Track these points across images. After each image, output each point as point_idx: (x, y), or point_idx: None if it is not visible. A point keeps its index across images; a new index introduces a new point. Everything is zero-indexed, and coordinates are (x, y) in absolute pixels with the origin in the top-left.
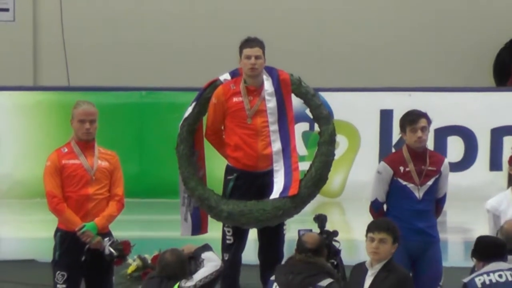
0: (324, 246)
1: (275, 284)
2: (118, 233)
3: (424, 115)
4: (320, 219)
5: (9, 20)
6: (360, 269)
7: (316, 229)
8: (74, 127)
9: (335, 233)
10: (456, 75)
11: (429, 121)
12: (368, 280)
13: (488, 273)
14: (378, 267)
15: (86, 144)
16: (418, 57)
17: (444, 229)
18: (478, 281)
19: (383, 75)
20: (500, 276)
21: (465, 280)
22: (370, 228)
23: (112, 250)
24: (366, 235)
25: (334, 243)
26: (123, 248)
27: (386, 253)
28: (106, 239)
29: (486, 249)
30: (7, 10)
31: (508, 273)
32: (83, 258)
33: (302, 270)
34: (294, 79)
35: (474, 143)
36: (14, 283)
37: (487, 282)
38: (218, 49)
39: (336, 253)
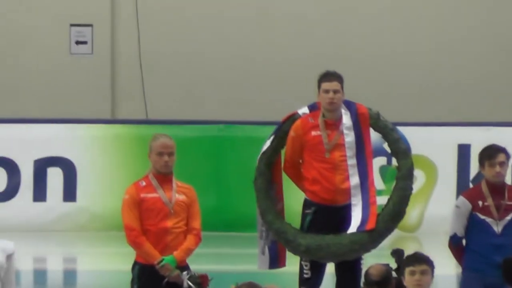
0: (390, 278)
1: None
2: (195, 267)
3: (503, 150)
4: (398, 254)
5: (87, 53)
6: None
7: (393, 264)
8: (152, 160)
9: None
10: None
11: (508, 156)
12: None
13: None
14: None
15: (164, 178)
16: (497, 91)
17: None
18: None
19: (462, 109)
20: None
21: None
22: (409, 262)
23: (190, 283)
24: (404, 270)
25: None
26: (202, 281)
27: (428, 285)
28: (185, 272)
29: None
30: (85, 43)
31: None
32: None
33: None
34: (372, 113)
35: None
36: None
37: None
38: (296, 82)
39: None
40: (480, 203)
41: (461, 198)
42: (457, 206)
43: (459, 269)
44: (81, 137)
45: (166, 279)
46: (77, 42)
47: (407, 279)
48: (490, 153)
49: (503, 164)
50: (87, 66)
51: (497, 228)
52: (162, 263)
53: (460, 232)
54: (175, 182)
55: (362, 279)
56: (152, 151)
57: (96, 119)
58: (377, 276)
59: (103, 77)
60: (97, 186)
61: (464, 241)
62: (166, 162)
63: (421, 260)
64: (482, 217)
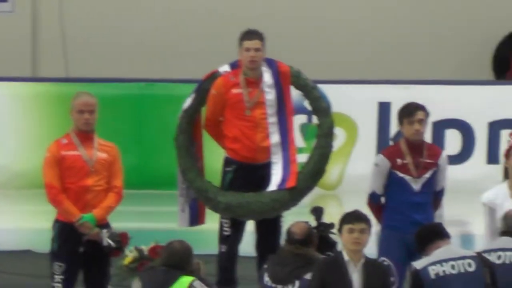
0: (313, 236)
1: (266, 274)
2: (116, 224)
3: (421, 108)
4: (317, 212)
5: (8, 11)
6: (338, 264)
7: (312, 222)
8: (74, 118)
9: (331, 225)
10: (455, 68)
11: (427, 114)
12: (356, 275)
13: (441, 263)
14: (362, 261)
15: (85, 136)
16: (416, 50)
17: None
18: (432, 271)
19: (382, 68)
20: (452, 267)
21: (418, 267)
22: (348, 220)
23: (110, 241)
24: (341, 227)
25: (331, 235)
26: (121, 239)
27: (366, 243)
28: (105, 230)
29: (426, 235)
30: (5, 0)
31: (460, 262)
32: (81, 249)
33: (290, 262)
34: (293, 71)
35: (471, 136)
36: (11, 273)
37: (441, 274)
38: (217, 40)
39: (332, 245)
40: (399, 161)
41: (380, 156)
42: (376, 164)
43: (379, 227)
44: (1, 95)
45: (86, 237)
46: None
47: (345, 237)
48: (409, 110)
49: (422, 122)
50: (7, 24)
51: (416, 186)
52: (80, 221)
53: (379, 190)
54: (97, 141)
55: (283, 237)
56: (74, 109)
57: (16, 77)
58: (300, 234)
59: (24, 36)
60: (18, 144)
61: (383, 199)
62: (87, 120)
63: (360, 218)
64: (401, 175)
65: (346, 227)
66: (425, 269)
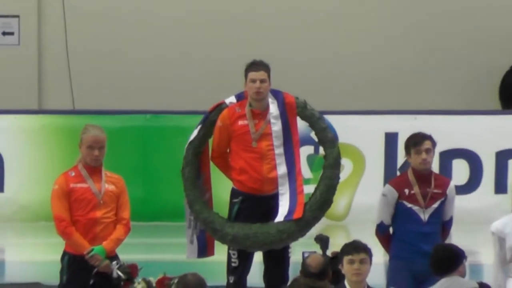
0: (328, 268)
1: None
2: (124, 256)
3: (428, 137)
4: (323, 241)
5: (14, 44)
6: None
7: (319, 251)
8: (83, 152)
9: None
10: (462, 98)
11: (433, 143)
12: None
13: None
14: None
15: (93, 168)
16: (423, 80)
17: None
18: None
19: (388, 98)
20: None
21: None
22: (348, 251)
23: (120, 273)
24: (342, 259)
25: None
26: (131, 271)
27: (367, 274)
28: (114, 262)
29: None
30: (12, 34)
31: None
32: (91, 282)
33: None
34: (299, 102)
35: (479, 166)
36: None
37: None
38: (223, 72)
39: (343, 278)
40: (407, 191)
41: (388, 186)
42: (383, 195)
43: (387, 257)
44: (8, 128)
45: (95, 269)
46: (4, 33)
47: (346, 268)
48: (416, 140)
49: (429, 151)
50: (14, 57)
51: (424, 216)
52: (91, 253)
53: (387, 220)
54: (105, 172)
55: (292, 268)
56: (83, 144)
57: (23, 109)
58: (316, 268)
59: (30, 68)
60: (24, 177)
61: (391, 229)
62: (97, 157)
63: (359, 248)
64: (409, 205)
65: (346, 258)
66: None
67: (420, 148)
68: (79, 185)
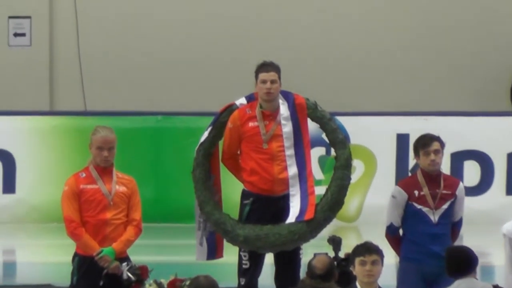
0: (334, 269)
1: None
2: (135, 258)
3: (437, 138)
4: (335, 242)
5: (25, 45)
6: None
7: (331, 252)
8: (93, 153)
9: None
10: (473, 99)
11: (442, 144)
12: None
13: None
14: None
15: (104, 169)
16: (435, 81)
17: None
18: None
19: (400, 99)
20: None
21: None
22: (360, 252)
23: (130, 275)
24: (354, 260)
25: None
26: (141, 272)
27: (379, 275)
28: (124, 263)
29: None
30: (23, 35)
31: None
32: (101, 283)
33: None
34: (310, 103)
35: (490, 167)
36: None
37: None
38: (234, 74)
39: (354, 279)
40: (416, 192)
41: (397, 188)
42: (393, 196)
43: (397, 259)
44: (19, 129)
45: (105, 271)
46: (16, 34)
47: (358, 269)
48: (424, 141)
49: (437, 152)
50: (25, 58)
51: (434, 217)
52: (100, 255)
53: (397, 222)
54: (116, 174)
55: (304, 269)
56: (93, 144)
57: (34, 111)
58: (321, 269)
59: (42, 69)
60: (36, 178)
61: (401, 231)
62: (106, 157)
63: (371, 250)
64: (418, 206)
65: (358, 259)
66: None
67: (428, 150)
68: (89, 186)
